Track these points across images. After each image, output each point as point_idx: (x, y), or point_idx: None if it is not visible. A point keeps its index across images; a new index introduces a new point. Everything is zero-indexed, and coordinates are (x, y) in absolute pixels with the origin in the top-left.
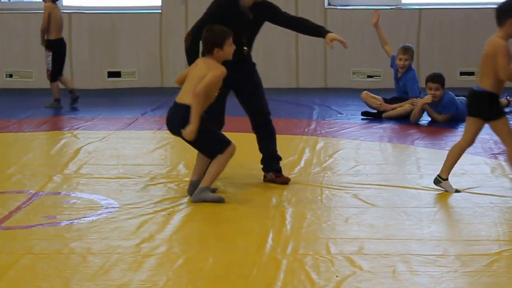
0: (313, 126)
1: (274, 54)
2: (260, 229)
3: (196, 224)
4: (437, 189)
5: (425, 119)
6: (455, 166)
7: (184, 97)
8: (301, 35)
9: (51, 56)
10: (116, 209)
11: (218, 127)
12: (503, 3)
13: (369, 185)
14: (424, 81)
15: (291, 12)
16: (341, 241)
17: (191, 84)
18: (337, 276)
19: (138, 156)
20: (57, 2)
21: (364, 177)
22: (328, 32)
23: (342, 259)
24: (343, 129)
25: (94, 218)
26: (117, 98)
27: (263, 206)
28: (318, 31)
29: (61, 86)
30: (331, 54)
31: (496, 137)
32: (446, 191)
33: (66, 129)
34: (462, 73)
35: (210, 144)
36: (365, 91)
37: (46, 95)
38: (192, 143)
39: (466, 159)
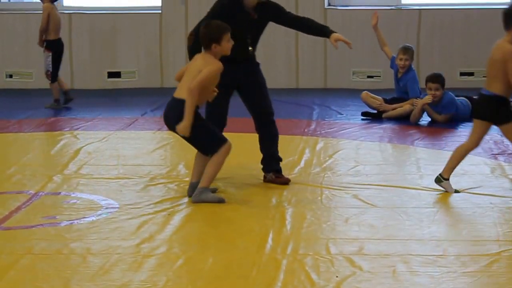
0: (313, 126)
1: (274, 54)
2: (260, 229)
3: (196, 225)
4: (437, 189)
5: (425, 119)
6: (457, 166)
7: (181, 92)
8: (301, 35)
9: (51, 57)
10: (116, 209)
11: (220, 127)
12: (511, 7)
13: (369, 185)
14: (424, 81)
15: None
16: (341, 241)
17: (188, 79)
18: (337, 277)
19: (138, 156)
20: (55, 2)
21: (364, 178)
22: (332, 32)
23: (342, 259)
24: (343, 130)
25: (94, 218)
26: (117, 98)
27: (263, 206)
28: (322, 31)
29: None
30: (331, 54)
31: (496, 138)
32: (446, 191)
33: (66, 129)
34: (462, 74)
35: (205, 140)
36: (365, 91)
37: (46, 96)
38: (187, 138)
39: (466, 159)
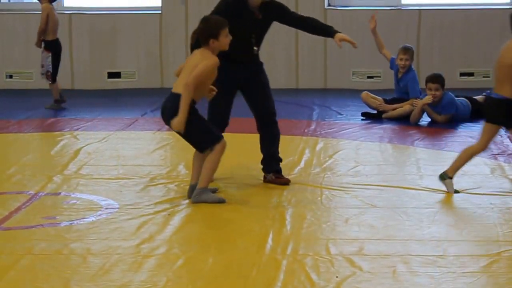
0: (313, 126)
1: (274, 54)
2: (260, 230)
3: (196, 225)
4: (437, 189)
5: (425, 119)
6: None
7: (178, 86)
8: (301, 36)
9: (50, 57)
10: (116, 209)
11: (221, 127)
12: None
13: (369, 185)
14: (424, 81)
15: None
16: (341, 241)
17: (185, 74)
18: (337, 277)
19: (138, 156)
20: (53, 3)
21: (364, 178)
22: (336, 32)
23: (342, 259)
24: (343, 130)
25: (94, 218)
26: (117, 98)
27: (263, 207)
28: (327, 31)
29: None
30: (331, 54)
31: (495, 138)
32: (446, 190)
33: (66, 129)
34: (462, 74)
35: (199, 136)
36: (365, 91)
37: (46, 96)
38: (182, 134)
39: None
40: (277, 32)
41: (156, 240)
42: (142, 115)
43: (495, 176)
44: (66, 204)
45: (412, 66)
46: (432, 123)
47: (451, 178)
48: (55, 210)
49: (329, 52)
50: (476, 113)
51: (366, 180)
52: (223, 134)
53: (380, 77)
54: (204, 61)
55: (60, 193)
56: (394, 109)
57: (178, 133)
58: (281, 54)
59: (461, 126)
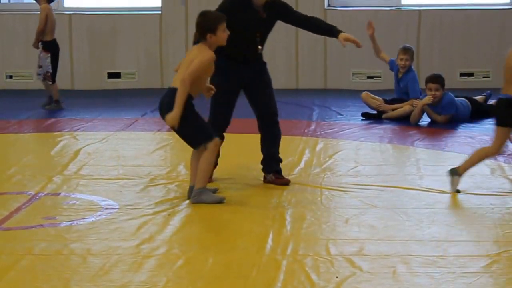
0: (313, 127)
1: (274, 55)
2: (260, 230)
3: (196, 225)
4: (437, 190)
5: (425, 120)
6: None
7: (176, 81)
8: (301, 36)
9: (49, 58)
10: (116, 210)
11: (223, 126)
12: None
13: (369, 186)
14: (424, 82)
15: None
16: (341, 242)
17: (182, 70)
18: (337, 277)
19: (138, 157)
20: (51, 3)
21: (364, 178)
22: (340, 31)
23: (342, 260)
24: (343, 130)
25: (94, 219)
26: (117, 99)
27: (263, 207)
28: (330, 31)
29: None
30: (331, 55)
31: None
32: (449, 187)
33: (66, 130)
34: (462, 74)
35: (193, 133)
36: (366, 92)
37: (46, 96)
38: (175, 130)
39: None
40: (277, 32)
41: (156, 241)
42: (142, 116)
43: (495, 177)
44: (66, 205)
45: (412, 67)
46: (432, 124)
47: (460, 176)
48: (55, 211)
49: (329, 52)
50: (476, 113)
51: (366, 180)
52: (224, 134)
53: (380, 77)
54: (200, 56)
55: (60, 193)
56: (394, 110)
57: (173, 128)
58: (281, 54)
59: (461, 127)
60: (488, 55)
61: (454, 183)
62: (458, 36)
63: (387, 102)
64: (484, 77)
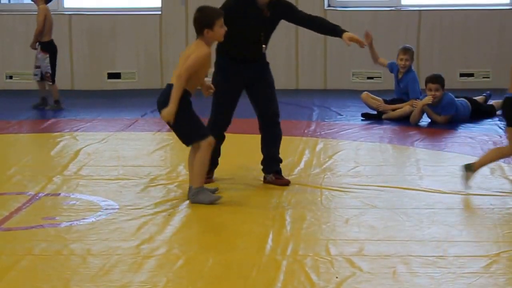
0: (313, 127)
1: (274, 55)
2: (260, 230)
3: (196, 225)
4: (437, 190)
5: (425, 120)
6: (457, 167)
7: (173, 78)
8: (301, 37)
9: (48, 59)
10: (116, 210)
11: (224, 126)
12: None
13: (369, 186)
14: (424, 82)
15: None
16: (341, 242)
17: (180, 66)
18: (337, 277)
19: (138, 157)
20: (48, 4)
21: (364, 178)
22: (344, 31)
23: (342, 260)
24: (343, 130)
25: (94, 219)
26: (117, 99)
27: (263, 207)
28: (334, 30)
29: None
30: (331, 55)
31: (495, 139)
32: (463, 182)
33: (66, 130)
34: (461, 75)
35: (187, 130)
36: (366, 92)
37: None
38: (171, 125)
39: (465, 160)
40: (277, 32)
41: (156, 241)
42: (142, 116)
43: (495, 177)
44: (66, 205)
45: (412, 67)
46: (432, 124)
47: (473, 172)
48: (55, 211)
49: (329, 52)
50: (476, 113)
51: (366, 180)
52: (224, 133)
53: (380, 77)
54: (197, 51)
55: (60, 193)
56: (394, 110)
57: (168, 123)
58: (281, 54)
59: (461, 127)
60: (488, 55)
61: (467, 179)
62: (458, 37)
63: (387, 102)
64: (484, 77)
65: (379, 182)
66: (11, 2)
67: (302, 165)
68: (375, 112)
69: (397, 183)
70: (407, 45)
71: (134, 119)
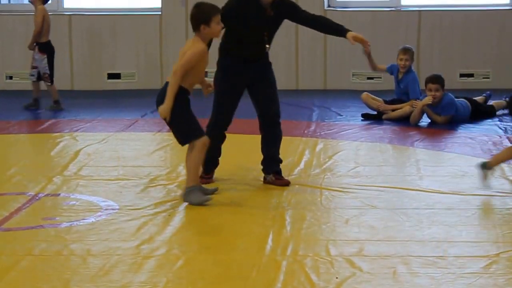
0: (312, 127)
1: (274, 55)
2: (260, 231)
3: (196, 226)
4: (436, 190)
5: (425, 120)
6: (457, 168)
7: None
8: (301, 37)
9: (46, 59)
10: (116, 210)
11: (224, 125)
12: None
13: (369, 186)
14: (424, 83)
15: None
16: (341, 242)
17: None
18: (337, 278)
19: (138, 157)
20: (45, 4)
21: (364, 179)
22: (348, 30)
23: (342, 260)
24: (343, 131)
25: (93, 219)
26: (116, 99)
27: (263, 208)
28: (338, 30)
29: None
30: (330, 55)
31: (494, 139)
32: (481, 181)
33: (65, 131)
34: (461, 75)
35: (182, 129)
36: (366, 92)
37: (45, 97)
38: (167, 123)
39: (465, 160)
40: (277, 33)
41: (156, 241)
42: (142, 116)
43: (495, 177)
44: (66, 205)
45: (412, 67)
46: (432, 124)
47: (489, 169)
48: (55, 211)
49: (329, 53)
50: (475, 114)
51: (366, 181)
52: (225, 133)
53: (380, 78)
54: (193, 48)
55: (60, 194)
56: (394, 110)
57: (165, 120)
58: (281, 55)
59: (460, 127)
60: (488, 55)
61: (485, 177)
62: (458, 37)
63: (386, 102)
64: (484, 77)
65: (379, 183)
66: (11, 2)
67: (302, 165)
68: (375, 113)
69: (397, 184)
70: (407, 45)
71: (134, 120)
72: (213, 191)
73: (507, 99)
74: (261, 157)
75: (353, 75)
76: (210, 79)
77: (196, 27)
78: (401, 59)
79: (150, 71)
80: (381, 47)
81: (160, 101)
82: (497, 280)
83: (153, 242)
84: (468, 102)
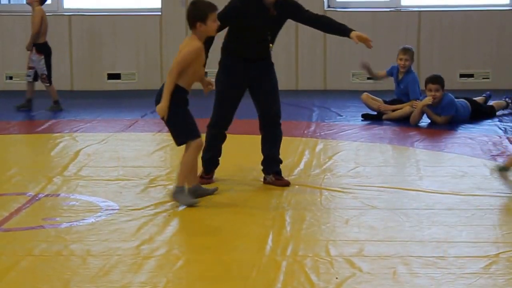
0: (312, 128)
1: (274, 55)
2: (259, 231)
3: (195, 226)
4: (436, 191)
5: (425, 121)
6: (457, 168)
7: None
8: (301, 37)
9: (43, 60)
10: (116, 211)
11: (225, 125)
12: None
13: (369, 186)
14: (424, 83)
15: None
16: (341, 243)
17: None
18: (336, 278)
19: (138, 158)
20: (43, 5)
21: (364, 179)
22: (352, 30)
23: (342, 261)
24: (343, 131)
25: (93, 220)
26: (116, 100)
27: (263, 208)
28: (341, 30)
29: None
30: (330, 56)
31: (494, 139)
32: (503, 182)
33: (65, 131)
34: (461, 75)
35: (178, 129)
36: (366, 93)
37: (45, 97)
38: (165, 122)
39: (465, 161)
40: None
41: (156, 241)
42: (142, 117)
43: (495, 177)
44: (66, 206)
45: (412, 68)
46: (432, 125)
47: (507, 170)
48: (55, 212)
49: (329, 53)
50: (475, 114)
51: (366, 181)
52: (225, 133)
53: None
54: (188, 46)
55: (59, 194)
56: (394, 110)
57: (162, 119)
58: (281, 55)
59: (460, 128)
60: (488, 56)
61: (505, 178)
62: (458, 37)
63: (386, 103)
64: (484, 78)
65: (379, 183)
66: (11, 3)
67: (302, 165)
68: (375, 113)
69: (397, 184)
70: (407, 46)
71: (134, 120)
72: (213, 191)
73: (507, 99)
74: (261, 157)
75: (353, 75)
76: (211, 79)
77: (192, 25)
78: (401, 59)
79: (150, 71)
80: (381, 47)
81: (158, 100)
82: (497, 281)
83: (153, 242)
84: (468, 103)
